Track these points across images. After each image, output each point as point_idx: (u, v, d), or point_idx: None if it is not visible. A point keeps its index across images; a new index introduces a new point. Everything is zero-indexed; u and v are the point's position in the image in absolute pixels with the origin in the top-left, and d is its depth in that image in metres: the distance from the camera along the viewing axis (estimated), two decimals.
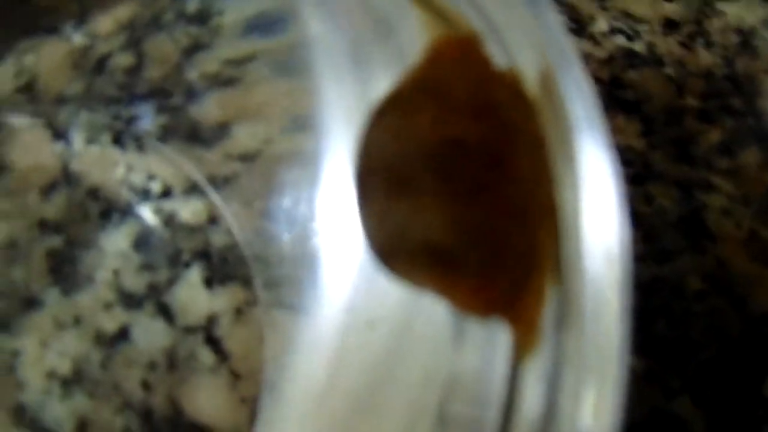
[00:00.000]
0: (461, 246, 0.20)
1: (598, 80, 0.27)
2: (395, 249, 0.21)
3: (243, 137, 0.24)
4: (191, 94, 0.25)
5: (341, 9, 0.22)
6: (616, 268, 0.16)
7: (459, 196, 0.20)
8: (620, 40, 0.27)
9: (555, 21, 0.17)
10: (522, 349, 0.18)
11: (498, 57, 0.19)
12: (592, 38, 0.27)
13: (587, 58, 0.27)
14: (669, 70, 0.27)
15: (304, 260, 0.22)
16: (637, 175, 0.25)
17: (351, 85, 0.22)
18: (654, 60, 0.27)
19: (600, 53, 0.27)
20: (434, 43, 0.20)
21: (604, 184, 0.16)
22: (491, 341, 0.19)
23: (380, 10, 0.22)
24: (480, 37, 0.19)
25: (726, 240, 0.25)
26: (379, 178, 0.21)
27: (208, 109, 0.25)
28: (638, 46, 0.27)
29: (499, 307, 0.19)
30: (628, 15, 0.28)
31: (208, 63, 0.25)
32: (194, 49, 0.25)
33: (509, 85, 0.18)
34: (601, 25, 0.28)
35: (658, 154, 0.26)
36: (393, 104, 0.21)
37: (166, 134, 0.24)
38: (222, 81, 0.25)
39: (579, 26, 0.28)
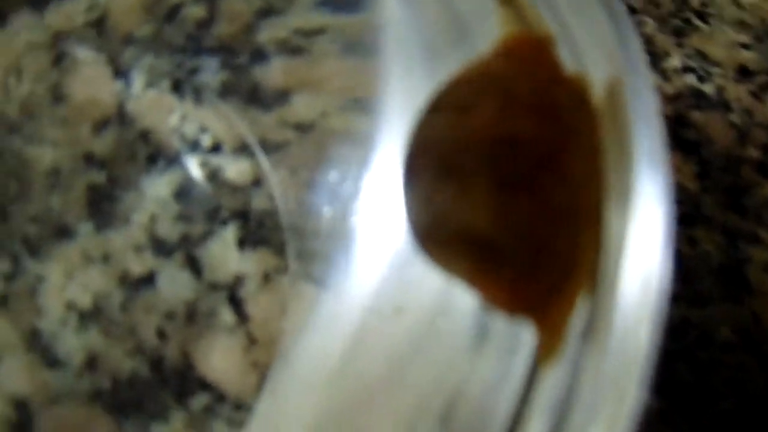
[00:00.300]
0: (501, 239, 0.19)
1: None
2: (435, 233, 0.21)
3: (301, 107, 0.24)
4: (257, 56, 0.24)
5: None
6: (651, 300, 0.16)
7: (507, 189, 0.19)
8: (690, 80, 0.27)
9: (630, 34, 0.16)
10: (544, 353, 0.18)
11: (568, 61, 0.18)
12: (663, 73, 0.27)
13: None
14: (735, 117, 0.26)
15: (341, 237, 0.22)
16: (685, 215, 0.25)
17: (418, 72, 0.22)
18: (721, 104, 0.26)
19: (668, 89, 0.27)
20: (507, 39, 0.20)
21: (656, 212, 0.16)
22: (514, 341, 0.18)
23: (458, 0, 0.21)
24: (554, 38, 0.19)
25: (764, 296, 0.24)
26: (429, 162, 0.21)
27: (272, 73, 0.24)
28: (708, 89, 0.27)
29: (528, 306, 0.18)
30: (702, 56, 0.27)
31: (279, 29, 0.25)
32: (267, 13, 0.25)
33: (575, 90, 0.18)
34: (674, 61, 0.27)
35: (709, 198, 0.25)
36: (454, 91, 0.21)
37: (225, 91, 0.24)
38: (289, 49, 0.24)
39: (652, 59, 0.27)
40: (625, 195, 0.16)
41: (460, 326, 0.20)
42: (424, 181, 0.21)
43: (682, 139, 0.26)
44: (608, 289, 0.16)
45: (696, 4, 0.29)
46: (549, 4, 0.19)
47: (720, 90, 0.27)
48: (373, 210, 0.22)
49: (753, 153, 0.26)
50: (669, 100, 0.27)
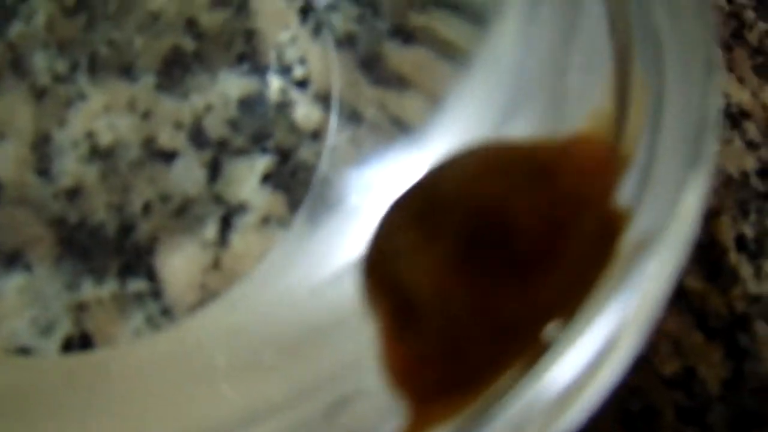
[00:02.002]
0: (429, 312, 0.18)
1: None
2: (379, 266, 0.20)
3: (408, 103, 0.23)
4: (402, 33, 0.24)
5: (542, 38, 0.21)
6: None
7: (465, 270, 0.18)
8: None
9: (699, 202, 0.15)
10: None
11: (627, 193, 0.17)
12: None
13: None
14: None
15: (349, 225, 0.21)
16: (692, 409, 0.23)
17: (492, 114, 0.21)
18: None
19: (752, 287, 0.25)
20: (584, 137, 0.18)
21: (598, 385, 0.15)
22: (388, 409, 0.17)
23: (574, 75, 0.20)
24: (630, 163, 0.17)
25: None
26: (418, 198, 0.20)
27: (403, 58, 0.24)
28: None
29: (412, 388, 0.17)
30: None
31: (441, 25, 0.24)
32: (443, 4, 0.24)
33: (609, 222, 0.17)
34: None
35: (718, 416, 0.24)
36: (490, 152, 0.20)
37: (346, 42, 0.24)
38: (437, 48, 0.24)
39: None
40: (578, 349, 0.15)
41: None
42: (402, 212, 0.20)
43: (736, 343, 0.24)
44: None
45: None
46: (649, 140, 0.18)
47: None
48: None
49: None
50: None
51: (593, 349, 0.15)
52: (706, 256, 0.26)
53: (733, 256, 0.26)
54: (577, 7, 0.21)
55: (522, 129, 0.20)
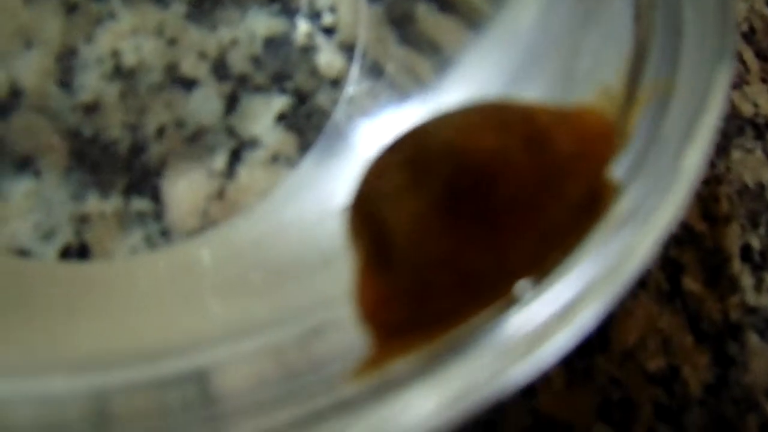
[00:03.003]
0: (403, 254, 0.19)
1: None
2: (363, 203, 0.20)
3: (422, 61, 0.23)
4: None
5: (564, 11, 0.22)
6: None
7: (446, 220, 0.18)
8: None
9: (684, 193, 0.15)
10: (356, 371, 0.17)
11: (621, 169, 0.17)
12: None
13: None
14: None
15: (350, 173, 0.22)
16: (670, 408, 0.23)
17: (504, 76, 0.21)
18: None
19: (750, 301, 0.25)
20: (591, 107, 0.19)
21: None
22: (355, 343, 0.18)
23: (590, 51, 0.20)
24: (627, 144, 0.17)
25: None
26: (412, 146, 0.20)
27: (437, 23, 0.24)
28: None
29: (379, 326, 0.18)
30: None
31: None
32: None
33: (597, 193, 0.17)
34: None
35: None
36: (494, 110, 0.20)
37: None
38: (468, 18, 0.24)
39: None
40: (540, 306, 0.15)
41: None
42: (394, 155, 0.20)
43: (724, 350, 0.24)
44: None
45: None
46: (658, 116, 0.18)
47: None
48: None
49: None
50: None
51: (552, 309, 0.15)
52: (709, 260, 0.26)
53: (737, 265, 0.26)
54: None
55: (530, 95, 0.21)
